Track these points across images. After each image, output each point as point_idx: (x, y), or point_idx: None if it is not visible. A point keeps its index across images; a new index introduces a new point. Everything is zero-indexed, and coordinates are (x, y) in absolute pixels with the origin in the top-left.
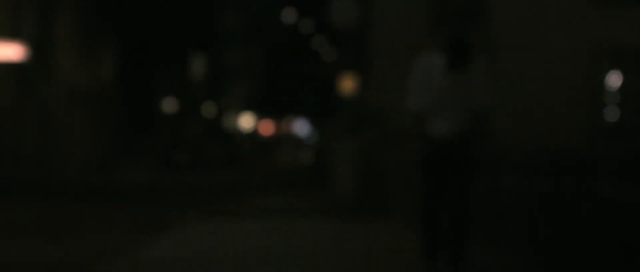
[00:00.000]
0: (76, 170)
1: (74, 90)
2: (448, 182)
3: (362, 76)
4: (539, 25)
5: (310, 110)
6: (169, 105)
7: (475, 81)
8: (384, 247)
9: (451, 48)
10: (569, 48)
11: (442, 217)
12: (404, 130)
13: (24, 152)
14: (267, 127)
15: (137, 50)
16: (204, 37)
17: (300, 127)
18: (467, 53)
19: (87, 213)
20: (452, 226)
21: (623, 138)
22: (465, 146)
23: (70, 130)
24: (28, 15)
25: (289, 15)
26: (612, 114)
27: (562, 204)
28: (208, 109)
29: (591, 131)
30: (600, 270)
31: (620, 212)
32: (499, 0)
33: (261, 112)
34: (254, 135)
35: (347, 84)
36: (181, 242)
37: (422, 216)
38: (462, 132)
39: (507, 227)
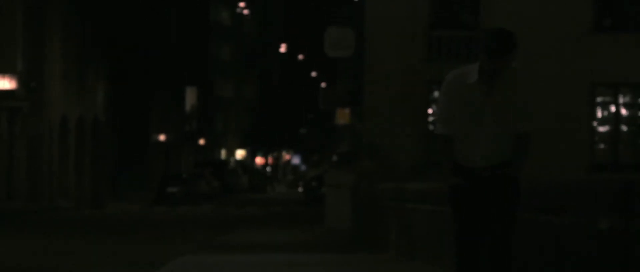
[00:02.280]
0: (68, 203)
1: (66, 123)
2: (485, 218)
3: (357, 108)
4: (535, 54)
5: (305, 142)
6: (162, 137)
7: (518, 99)
8: None
9: (492, 39)
10: (565, 79)
11: (480, 258)
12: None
13: (15, 185)
14: (262, 159)
15: (130, 82)
16: (199, 69)
17: (296, 159)
18: (511, 44)
19: (80, 246)
20: (491, 269)
21: (618, 171)
22: (504, 176)
23: (62, 163)
24: (19, 47)
25: (284, 48)
26: (606, 146)
27: (558, 236)
28: (202, 141)
29: (587, 164)
30: None
31: (617, 245)
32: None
33: (256, 144)
34: (248, 167)
35: (343, 116)
36: None
37: (457, 258)
38: (501, 160)
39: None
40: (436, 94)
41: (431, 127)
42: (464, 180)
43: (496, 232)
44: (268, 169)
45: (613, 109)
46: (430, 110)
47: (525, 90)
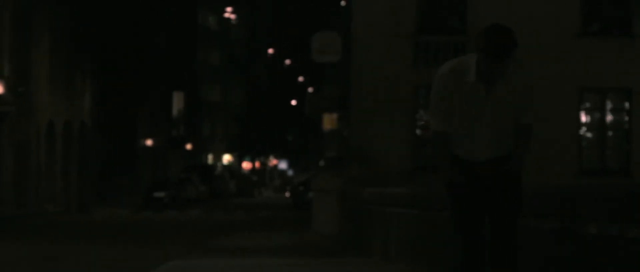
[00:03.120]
0: (55, 208)
1: (53, 127)
2: (486, 216)
3: (344, 113)
4: (522, 59)
5: (292, 148)
6: (149, 142)
7: (519, 91)
8: None
9: (491, 40)
10: (552, 84)
11: (483, 257)
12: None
13: (2, 190)
14: (249, 164)
15: (118, 87)
16: (186, 74)
17: (283, 164)
18: (511, 45)
19: (67, 252)
20: (495, 268)
21: (606, 177)
22: (506, 172)
23: (50, 168)
24: (6, 52)
25: (272, 53)
26: (594, 151)
27: (547, 242)
28: (189, 146)
29: (574, 169)
30: None
31: (605, 251)
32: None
33: (242, 149)
34: (235, 172)
35: (330, 121)
36: None
37: (460, 257)
38: (502, 153)
39: None
40: (423, 98)
41: (418, 131)
42: (464, 174)
43: (498, 235)
44: (255, 173)
45: (600, 114)
46: (417, 115)
47: (525, 81)
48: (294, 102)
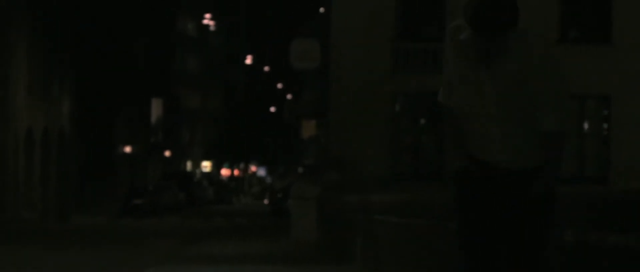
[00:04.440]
0: (34, 214)
1: (31, 135)
2: (504, 239)
3: (323, 120)
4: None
5: (271, 154)
6: (127, 149)
7: (535, 80)
8: None
9: (478, 3)
10: None
11: None
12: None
13: None
14: (228, 171)
15: (96, 94)
16: (164, 80)
17: (261, 171)
18: (503, 15)
19: (45, 259)
20: None
21: (583, 184)
22: (529, 183)
23: (28, 175)
24: None
25: (250, 59)
26: (572, 158)
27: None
28: (167, 153)
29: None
30: None
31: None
32: None
33: (221, 156)
34: (214, 178)
35: (308, 128)
36: None
37: None
38: (529, 164)
39: None
40: (402, 105)
41: (397, 138)
42: (479, 182)
43: (518, 265)
44: (234, 180)
45: (579, 120)
46: (396, 122)
47: (549, 71)
48: (272, 109)
